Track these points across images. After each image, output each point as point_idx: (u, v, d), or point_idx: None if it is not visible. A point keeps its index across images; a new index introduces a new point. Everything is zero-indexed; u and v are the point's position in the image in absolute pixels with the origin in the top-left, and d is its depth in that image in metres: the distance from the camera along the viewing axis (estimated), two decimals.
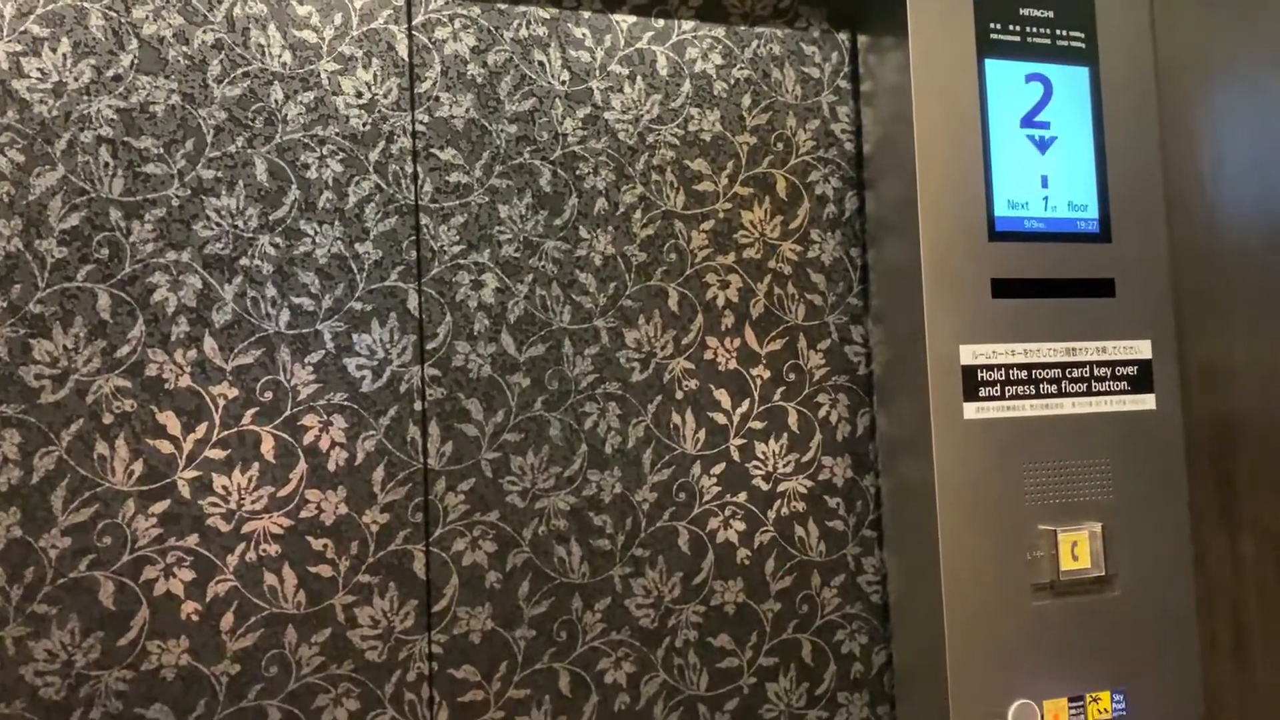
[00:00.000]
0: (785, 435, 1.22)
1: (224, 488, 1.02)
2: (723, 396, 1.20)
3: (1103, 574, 1.19)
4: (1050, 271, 1.22)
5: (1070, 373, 1.21)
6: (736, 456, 1.20)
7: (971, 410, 1.17)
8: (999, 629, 1.16)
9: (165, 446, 1.01)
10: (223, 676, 1.01)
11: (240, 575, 1.02)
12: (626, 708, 1.13)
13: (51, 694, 0.96)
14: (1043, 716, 1.16)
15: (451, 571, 1.09)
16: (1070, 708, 1.17)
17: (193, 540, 1.01)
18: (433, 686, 1.07)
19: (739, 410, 1.21)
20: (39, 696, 0.95)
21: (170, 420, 1.01)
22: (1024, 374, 1.19)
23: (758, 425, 1.21)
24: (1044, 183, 1.22)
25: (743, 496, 1.20)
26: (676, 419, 1.18)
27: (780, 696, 1.19)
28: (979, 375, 1.17)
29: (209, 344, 1.03)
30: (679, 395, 1.18)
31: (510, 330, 1.13)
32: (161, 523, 1.00)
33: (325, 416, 1.06)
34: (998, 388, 1.18)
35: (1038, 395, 1.20)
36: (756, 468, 1.21)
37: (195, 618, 1.00)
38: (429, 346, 1.10)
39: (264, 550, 1.03)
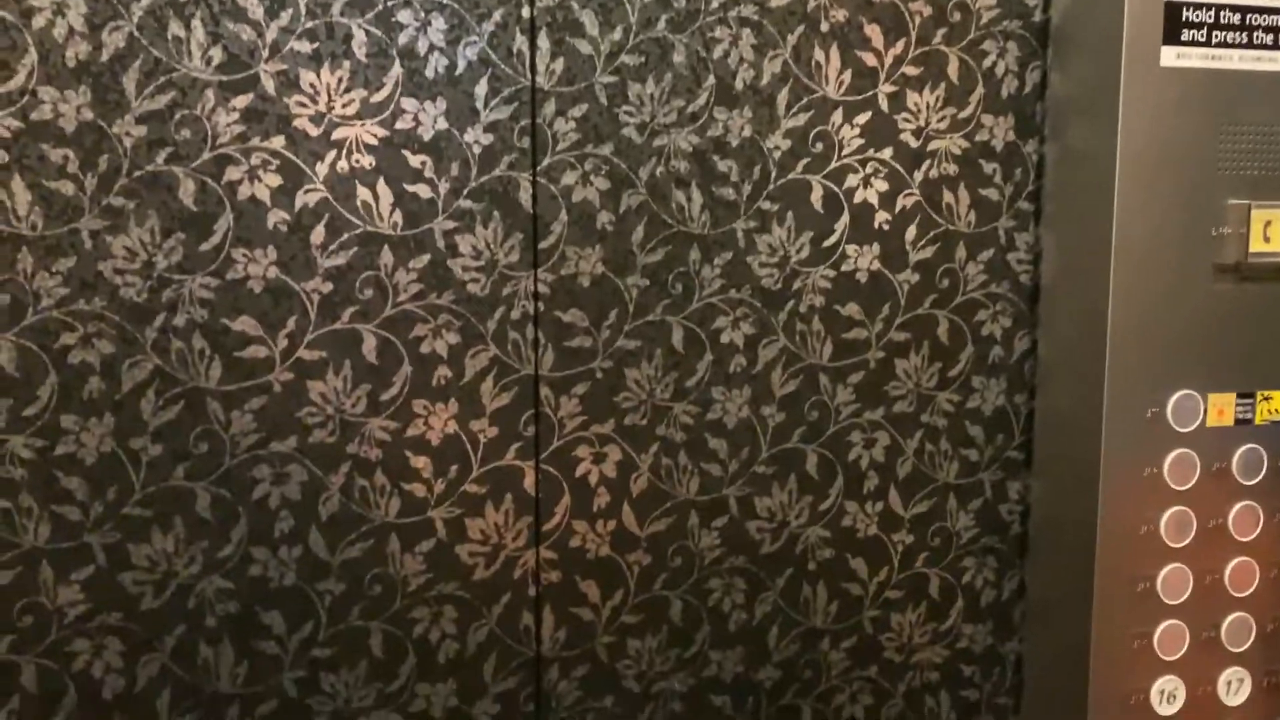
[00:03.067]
0: (943, 85, 1.06)
1: (312, 86, 0.91)
2: (874, 33, 1.04)
3: None
4: None
5: None
6: (885, 106, 1.05)
7: (1170, 56, 0.99)
8: (1169, 313, 1.02)
9: (246, 32, 0.89)
10: (314, 295, 0.93)
11: (331, 187, 0.92)
12: (742, 370, 1.04)
13: (133, 295, 0.89)
14: (1206, 410, 1.03)
15: (560, 206, 0.98)
16: (1239, 404, 1.04)
17: (278, 143, 0.91)
18: (538, 327, 0.98)
19: (892, 52, 1.04)
20: (119, 296, 0.88)
21: (251, 3, 0.89)
22: (1237, 18, 1.00)
23: (912, 71, 1.05)
24: None
25: (888, 153, 1.06)
26: (819, 55, 1.02)
27: (909, 374, 1.09)
28: (1184, 14, 0.99)
29: None
30: (824, 27, 1.02)
31: None
32: (244, 119, 0.90)
33: (423, 15, 0.93)
34: (1204, 31, 1.00)
35: (1250, 45, 1.01)
36: (906, 121, 1.06)
37: (283, 228, 0.91)
38: None
39: (357, 161, 0.93)
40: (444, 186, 0.95)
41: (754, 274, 1.03)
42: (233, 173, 0.90)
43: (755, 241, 1.03)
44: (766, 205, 1.03)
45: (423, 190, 0.94)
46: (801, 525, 1.07)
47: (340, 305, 0.93)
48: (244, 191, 0.90)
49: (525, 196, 0.97)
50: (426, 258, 0.95)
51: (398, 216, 0.94)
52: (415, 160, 0.94)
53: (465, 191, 0.95)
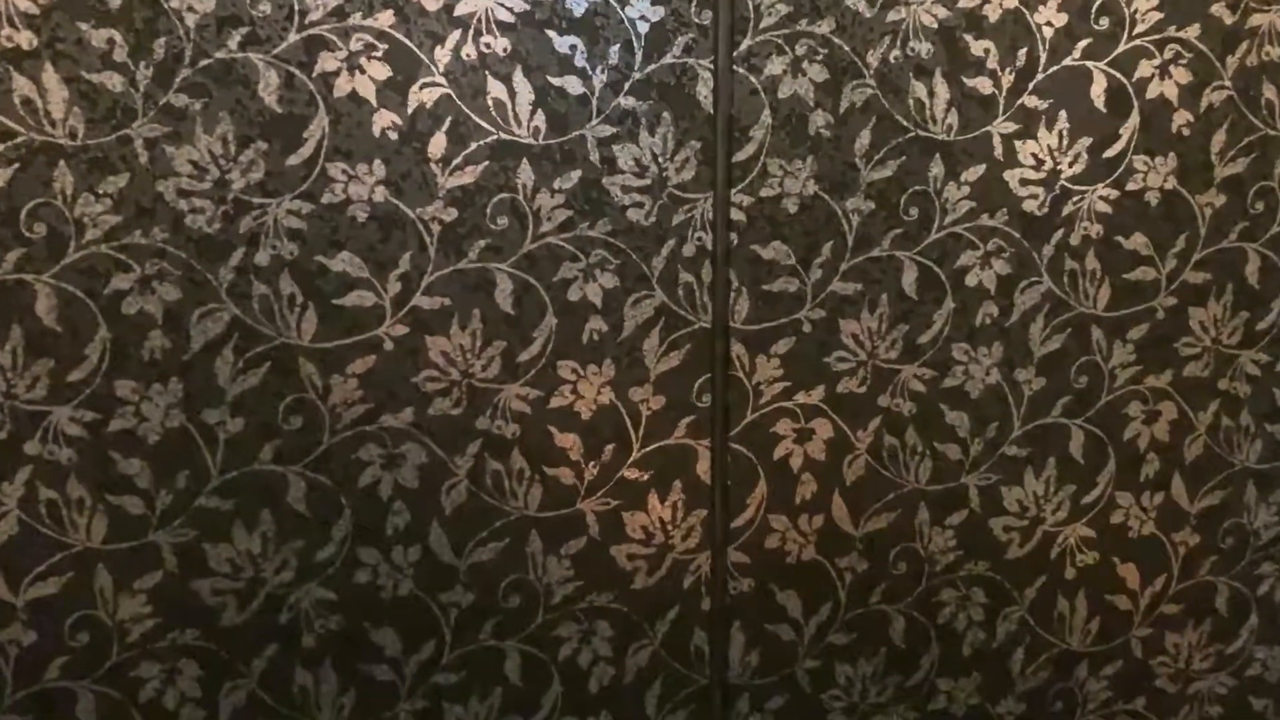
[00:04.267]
0: None
1: None
2: None
3: None
4: None
5: None
6: None
7: None
8: None
9: None
10: (433, 224, 0.71)
11: (454, 80, 0.69)
12: (992, 322, 0.80)
13: (202, 224, 0.68)
14: None
15: (761, 105, 0.73)
16: None
17: (386, 20, 0.68)
18: (727, 265, 0.75)
19: None
20: (185, 225, 0.67)
21: None
22: None
23: None
24: None
25: (1193, 30, 0.78)
26: None
27: (1206, 328, 0.83)
28: None
29: None
30: None
31: None
32: None
33: None
34: None
35: None
36: None
37: (393, 135, 0.69)
38: None
39: (486, 45, 0.69)
40: (599, 79, 0.71)
41: (1012, 194, 0.78)
42: (327, 61, 0.68)
43: (1015, 150, 0.78)
44: (1032, 102, 0.77)
45: (571, 84, 0.71)
46: (1059, 522, 0.84)
47: (467, 238, 0.71)
48: (342, 86, 0.68)
49: (705, 91, 0.72)
50: (576, 175, 0.72)
51: (539, 120, 0.71)
52: (562, 43, 0.70)
53: (627, 86, 0.71)
